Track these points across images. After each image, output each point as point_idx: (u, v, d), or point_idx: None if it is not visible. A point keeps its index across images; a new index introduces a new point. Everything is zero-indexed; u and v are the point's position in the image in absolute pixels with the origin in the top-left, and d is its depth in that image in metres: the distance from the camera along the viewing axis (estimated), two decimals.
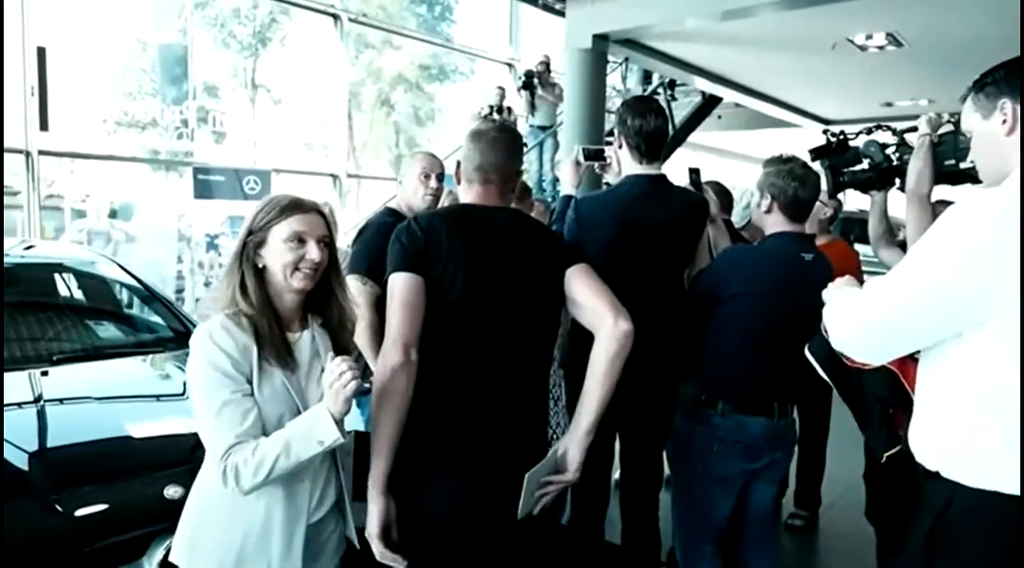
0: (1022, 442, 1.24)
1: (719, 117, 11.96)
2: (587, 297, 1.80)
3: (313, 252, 1.59)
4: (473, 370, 1.76)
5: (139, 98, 10.86)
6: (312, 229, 1.60)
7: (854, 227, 8.98)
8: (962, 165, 2.38)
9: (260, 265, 1.60)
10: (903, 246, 2.68)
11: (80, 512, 1.95)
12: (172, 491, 2.03)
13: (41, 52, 5.99)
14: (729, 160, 17.66)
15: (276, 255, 1.58)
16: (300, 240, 1.58)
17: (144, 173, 10.20)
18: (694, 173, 2.60)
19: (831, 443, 3.86)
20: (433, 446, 1.74)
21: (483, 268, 1.75)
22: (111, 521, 1.98)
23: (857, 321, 1.44)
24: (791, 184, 2.20)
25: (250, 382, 1.54)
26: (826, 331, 1.55)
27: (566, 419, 2.74)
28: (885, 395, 1.70)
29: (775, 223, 2.27)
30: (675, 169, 2.65)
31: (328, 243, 1.63)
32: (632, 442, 2.59)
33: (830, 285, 1.68)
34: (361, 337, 2.51)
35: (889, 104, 10.18)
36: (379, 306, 2.51)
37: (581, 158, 2.66)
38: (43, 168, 7.62)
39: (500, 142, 1.85)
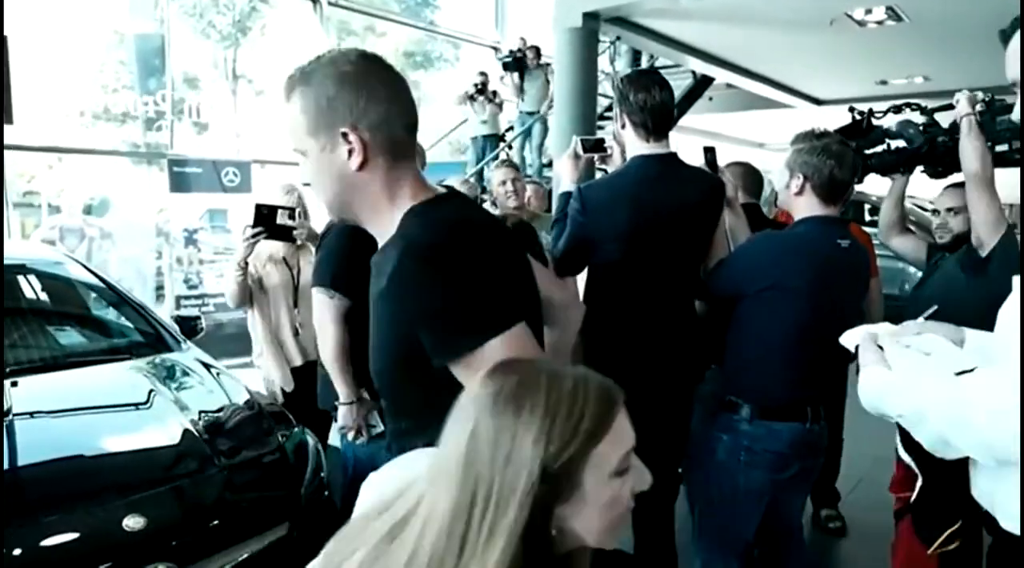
0: (1022, 456, 1.10)
1: (710, 99, 11.81)
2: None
3: (646, 477, 0.88)
4: None
5: (117, 91, 10.59)
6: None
7: (846, 209, 8.83)
8: (998, 148, 2.22)
9: (553, 532, 0.82)
10: (930, 233, 2.55)
11: (17, 551, 1.70)
12: (131, 521, 1.81)
13: (1, 42, 5.68)
14: (722, 143, 17.51)
15: (597, 510, 0.83)
16: (627, 468, 0.85)
17: (123, 167, 9.96)
18: (709, 153, 2.39)
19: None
20: None
21: (524, 289, 1.29)
22: (54, 560, 1.73)
23: None
24: (827, 162, 1.98)
25: None
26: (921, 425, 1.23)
27: None
28: None
29: (807, 206, 2.04)
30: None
31: None
32: (645, 448, 2.37)
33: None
34: (328, 356, 2.33)
35: (884, 82, 10.02)
36: (347, 320, 2.30)
37: (580, 150, 2.41)
38: (18, 164, 7.32)
39: (401, 80, 1.20)
